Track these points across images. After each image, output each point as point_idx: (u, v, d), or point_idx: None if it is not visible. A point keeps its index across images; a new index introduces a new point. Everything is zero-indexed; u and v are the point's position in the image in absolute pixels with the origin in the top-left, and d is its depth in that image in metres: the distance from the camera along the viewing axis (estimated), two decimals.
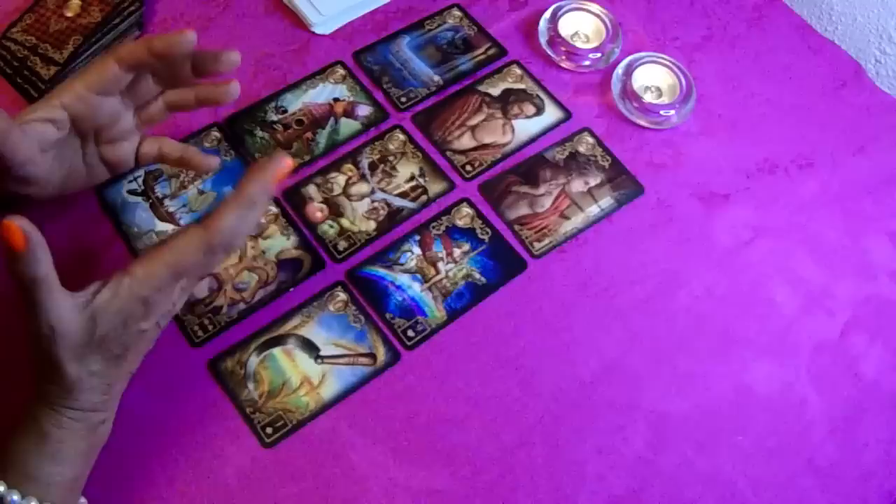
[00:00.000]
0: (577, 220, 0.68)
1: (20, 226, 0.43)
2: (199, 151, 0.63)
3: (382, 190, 0.68)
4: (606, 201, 0.69)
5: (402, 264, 0.65)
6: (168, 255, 0.48)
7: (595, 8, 0.78)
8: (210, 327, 0.61)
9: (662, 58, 0.75)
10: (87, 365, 0.48)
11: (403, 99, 0.73)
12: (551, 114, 0.74)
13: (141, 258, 0.49)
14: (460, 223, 0.67)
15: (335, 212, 0.67)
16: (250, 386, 0.59)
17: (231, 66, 0.57)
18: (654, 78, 0.75)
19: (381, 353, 0.61)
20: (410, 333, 0.62)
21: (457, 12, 0.79)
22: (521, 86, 0.75)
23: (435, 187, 0.69)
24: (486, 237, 0.67)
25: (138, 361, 0.51)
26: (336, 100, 0.73)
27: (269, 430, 0.58)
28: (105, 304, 0.47)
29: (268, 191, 0.49)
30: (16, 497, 0.46)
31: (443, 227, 0.67)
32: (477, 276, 0.65)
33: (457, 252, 0.66)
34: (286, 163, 0.51)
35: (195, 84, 0.60)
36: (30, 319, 0.46)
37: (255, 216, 0.50)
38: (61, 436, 0.48)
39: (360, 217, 0.67)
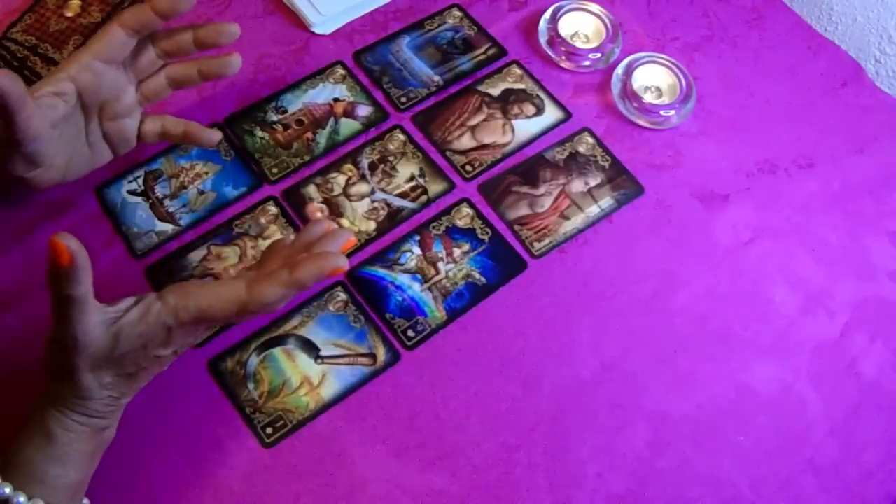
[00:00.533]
0: (577, 221, 0.68)
1: (68, 245, 0.43)
2: (202, 126, 0.63)
3: (382, 190, 0.68)
4: (606, 201, 0.69)
5: (402, 264, 0.65)
6: (204, 299, 0.49)
7: (595, 8, 0.78)
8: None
9: (662, 58, 0.75)
10: (100, 377, 0.48)
11: (403, 99, 0.73)
12: (551, 114, 0.74)
13: (177, 289, 0.49)
14: (460, 223, 0.67)
15: (335, 212, 0.67)
16: (250, 386, 0.59)
17: (231, 39, 0.58)
18: (654, 78, 0.75)
19: (381, 353, 0.61)
20: (410, 333, 0.62)
21: (457, 12, 0.79)
22: (521, 86, 0.75)
23: (435, 187, 0.69)
24: (486, 237, 0.67)
25: (149, 380, 0.52)
26: (336, 100, 0.73)
27: (269, 430, 0.58)
28: (131, 325, 0.48)
29: (321, 279, 0.50)
30: (22, 499, 0.46)
31: (443, 227, 0.67)
32: (477, 276, 0.65)
33: (457, 252, 0.66)
34: (349, 241, 0.53)
35: (197, 58, 0.60)
36: (55, 325, 0.46)
37: (296, 293, 0.50)
38: (67, 438, 0.48)
39: (360, 217, 0.67)
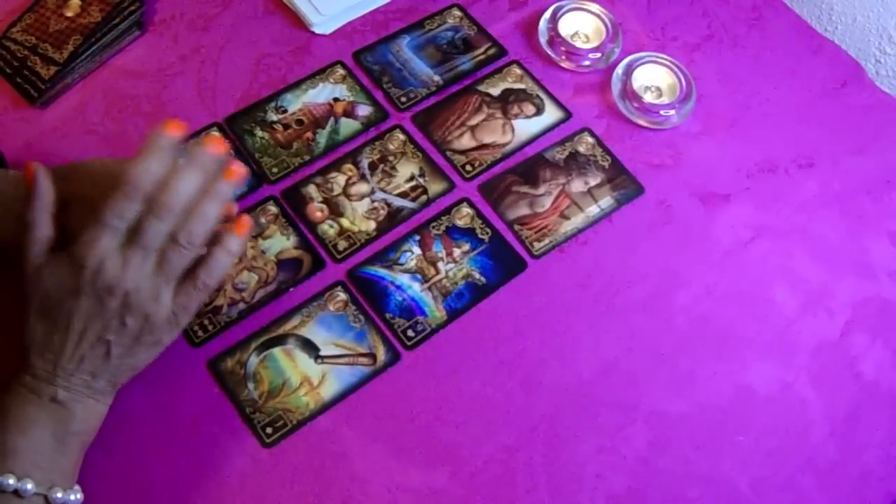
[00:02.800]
0: (577, 220, 0.68)
1: None
2: None
3: (382, 190, 0.68)
4: (606, 201, 0.69)
5: (402, 264, 0.65)
6: None
7: (595, 8, 0.78)
8: (210, 327, 0.61)
9: (662, 58, 0.75)
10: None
11: (403, 99, 0.73)
12: (551, 114, 0.74)
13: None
14: (460, 223, 0.67)
15: (335, 212, 0.67)
16: (250, 386, 0.59)
17: None
18: (654, 78, 0.75)
19: (381, 353, 0.61)
20: (410, 333, 0.62)
21: (457, 12, 0.79)
22: (521, 86, 0.75)
23: (435, 187, 0.69)
24: (485, 237, 0.67)
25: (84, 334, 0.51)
26: (336, 100, 0.73)
27: (269, 430, 0.58)
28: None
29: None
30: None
31: (443, 227, 0.67)
32: (477, 276, 0.65)
33: (457, 252, 0.66)
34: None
35: None
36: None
37: None
38: (9, 401, 0.49)
39: (360, 217, 0.67)
